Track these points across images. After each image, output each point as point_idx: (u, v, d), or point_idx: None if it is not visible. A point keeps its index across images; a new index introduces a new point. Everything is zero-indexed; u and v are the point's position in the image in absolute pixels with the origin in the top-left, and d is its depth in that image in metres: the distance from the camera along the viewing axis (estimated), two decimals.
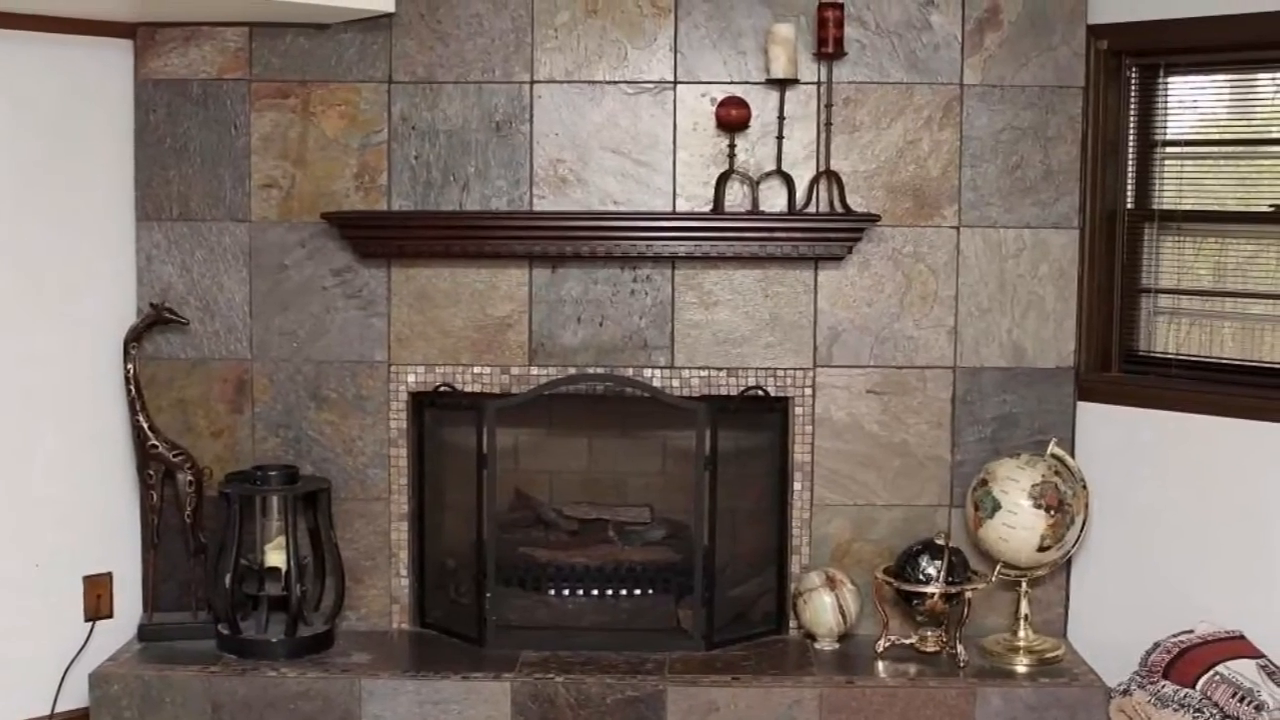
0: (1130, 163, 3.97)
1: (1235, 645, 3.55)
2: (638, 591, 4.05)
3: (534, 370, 4.01)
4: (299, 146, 3.96)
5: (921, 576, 3.82)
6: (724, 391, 4.01)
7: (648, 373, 4.00)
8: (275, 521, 3.88)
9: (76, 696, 3.85)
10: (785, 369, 4.00)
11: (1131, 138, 3.96)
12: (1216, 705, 3.39)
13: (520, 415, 4.04)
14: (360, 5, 3.75)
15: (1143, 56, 3.91)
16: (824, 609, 3.91)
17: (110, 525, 4.01)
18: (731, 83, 3.92)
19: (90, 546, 3.97)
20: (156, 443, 3.90)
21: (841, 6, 3.83)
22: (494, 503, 3.93)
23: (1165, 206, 3.93)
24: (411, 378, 4.03)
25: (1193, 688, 3.44)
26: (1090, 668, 3.82)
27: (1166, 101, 3.91)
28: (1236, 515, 3.70)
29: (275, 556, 3.87)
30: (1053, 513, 3.77)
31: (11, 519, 3.83)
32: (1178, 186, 3.92)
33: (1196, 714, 3.39)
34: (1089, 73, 3.92)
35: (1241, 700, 3.36)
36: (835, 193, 3.90)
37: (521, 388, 3.99)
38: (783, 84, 3.86)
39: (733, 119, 3.85)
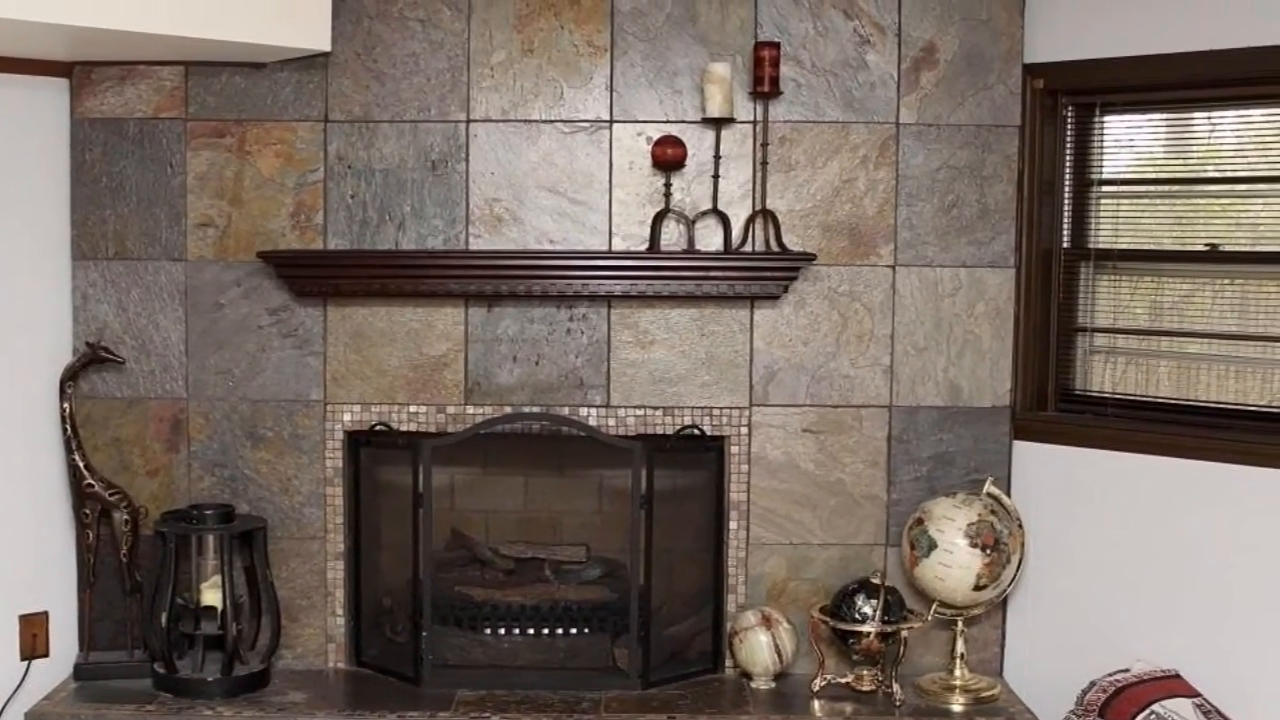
0: (1066, 202, 3.97)
1: (1171, 684, 3.55)
2: (574, 630, 4.03)
3: (470, 409, 4.00)
4: (235, 185, 3.95)
5: (857, 615, 3.82)
6: (660, 430, 4.00)
7: (584, 412, 3.99)
8: (211, 560, 3.88)
9: None
10: (721, 408, 4.00)
11: (1068, 177, 3.96)
12: None
13: (456, 454, 4.04)
14: (296, 44, 3.73)
15: (1079, 95, 3.91)
16: (760, 648, 3.90)
17: (46, 564, 3.99)
18: (667, 121, 3.92)
19: (26, 585, 3.95)
20: (92, 481, 3.89)
21: (778, 46, 3.84)
22: (430, 542, 3.92)
23: (1101, 245, 3.93)
24: (347, 416, 4.02)
25: None
26: (1026, 706, 3.82)
27: (1102, 140, 3.91)
28: (1172, 554, 3.69)
29: (211, 595, 3.86)
30: (988, 552, 3.77)
31: None
32: (1114, 225, 3.92)
33: None
34: (1025, 112, 3.92)
35: None
36: (771, 232, 3.89)
37: (457, 427, 3.98)
38: (719, 123, 3.86)
39: (669, 158, 3.85)
